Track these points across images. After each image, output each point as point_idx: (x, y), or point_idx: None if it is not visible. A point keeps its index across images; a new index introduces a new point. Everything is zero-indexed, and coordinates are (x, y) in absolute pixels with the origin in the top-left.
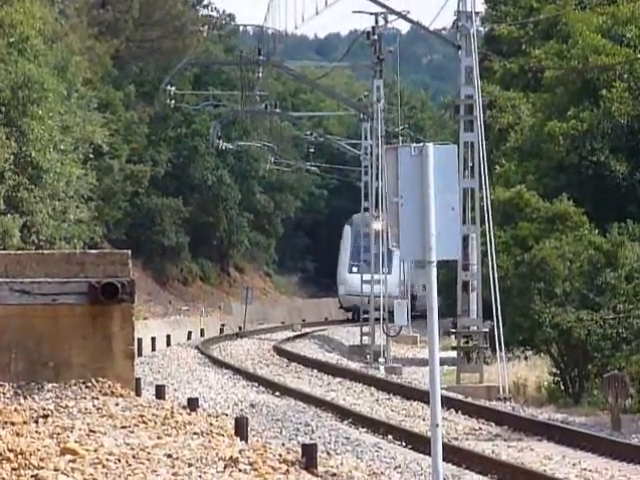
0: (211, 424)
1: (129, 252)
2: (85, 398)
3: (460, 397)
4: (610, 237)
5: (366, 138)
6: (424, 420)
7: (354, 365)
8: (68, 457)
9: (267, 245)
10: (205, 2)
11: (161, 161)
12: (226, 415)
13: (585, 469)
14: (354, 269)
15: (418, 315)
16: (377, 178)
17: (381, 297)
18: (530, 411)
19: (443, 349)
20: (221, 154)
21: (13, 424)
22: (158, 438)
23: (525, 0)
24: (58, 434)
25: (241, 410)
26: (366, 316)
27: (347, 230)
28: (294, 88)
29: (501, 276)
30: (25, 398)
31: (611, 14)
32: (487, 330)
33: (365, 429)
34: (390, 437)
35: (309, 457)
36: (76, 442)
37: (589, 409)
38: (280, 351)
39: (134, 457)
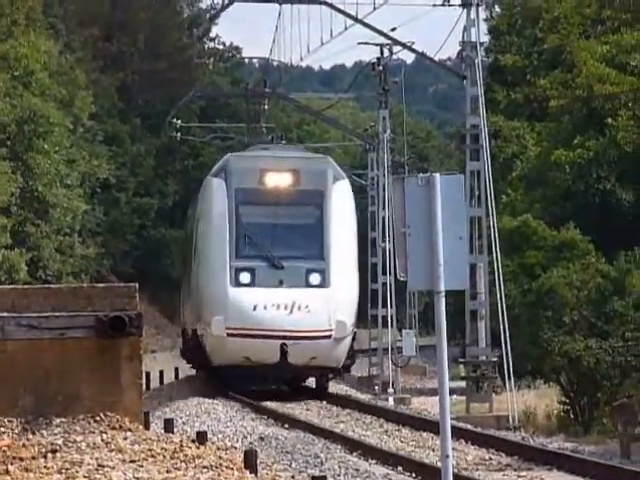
0: (220, 457)
1: (136, 285)
2: (94, 432)
3: (469, 427)
4: (617, 265)
5: (372, 168)
6: (434, 451)
7: (363, 396)
8: None
9: None
10: (211, 35)
11: (168, 193)
12: (235, 448)
13: None
14: (243, 277)
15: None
16: (384, 208)
17: (389, 327)
18: (540, 440)
19: (452, 378)
20: None
21: (22, 459)
22: (167, 472)
23: (529, 30)
24: (67, 469)
25: (250, 443)
26: None
27: (216, 185)
28: (299, 119)
29: (509, 305)
30: (34, 433)
31: (615, 42)
32: (496, 359)
33: (375, 460)
34: (400, 468)
35: None
36: (85, 477)
37: (599, 437)
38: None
39: None
